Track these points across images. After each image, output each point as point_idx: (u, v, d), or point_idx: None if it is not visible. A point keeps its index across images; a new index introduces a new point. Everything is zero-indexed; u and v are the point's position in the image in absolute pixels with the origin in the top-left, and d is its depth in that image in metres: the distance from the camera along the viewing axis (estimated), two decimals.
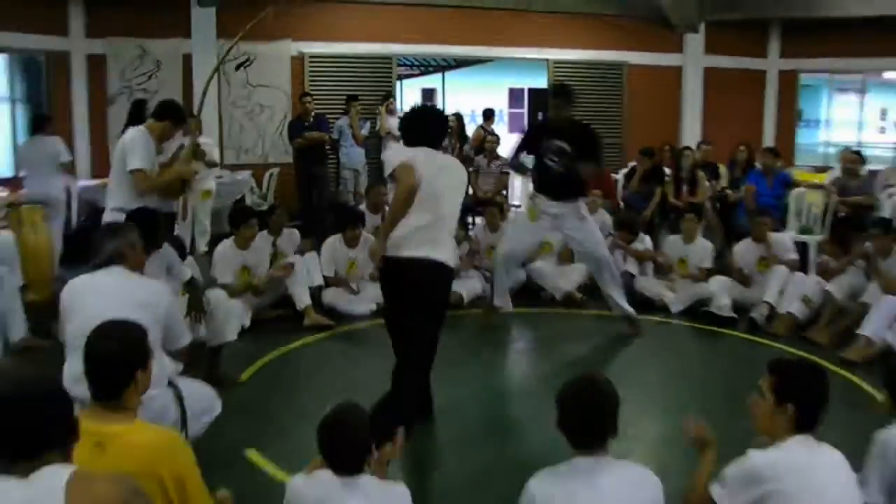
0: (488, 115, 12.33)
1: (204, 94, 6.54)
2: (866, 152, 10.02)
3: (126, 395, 2.63)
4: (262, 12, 6.38)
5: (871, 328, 6.05)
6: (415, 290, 4.25)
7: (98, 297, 3.50)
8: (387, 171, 4.39)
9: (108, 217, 5.43)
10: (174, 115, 5.58)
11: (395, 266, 4.24)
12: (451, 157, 4.58)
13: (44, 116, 9.12)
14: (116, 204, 5.39)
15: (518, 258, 6.95)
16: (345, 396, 3.02)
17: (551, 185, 6.33)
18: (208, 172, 9.60)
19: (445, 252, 4.28)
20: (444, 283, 4.39)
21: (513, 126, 22.96)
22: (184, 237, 7.53)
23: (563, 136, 6.23)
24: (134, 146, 5.32)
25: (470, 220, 10.36)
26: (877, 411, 3.50)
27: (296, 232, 7.77)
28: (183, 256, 6.43)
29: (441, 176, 4.27)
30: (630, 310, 6.60)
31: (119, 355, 2.64)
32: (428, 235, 4.20)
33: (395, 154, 4.38)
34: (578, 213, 6.37)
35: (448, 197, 4.32)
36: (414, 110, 4.69)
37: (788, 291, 6.85)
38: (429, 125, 4.46)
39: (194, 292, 5.18)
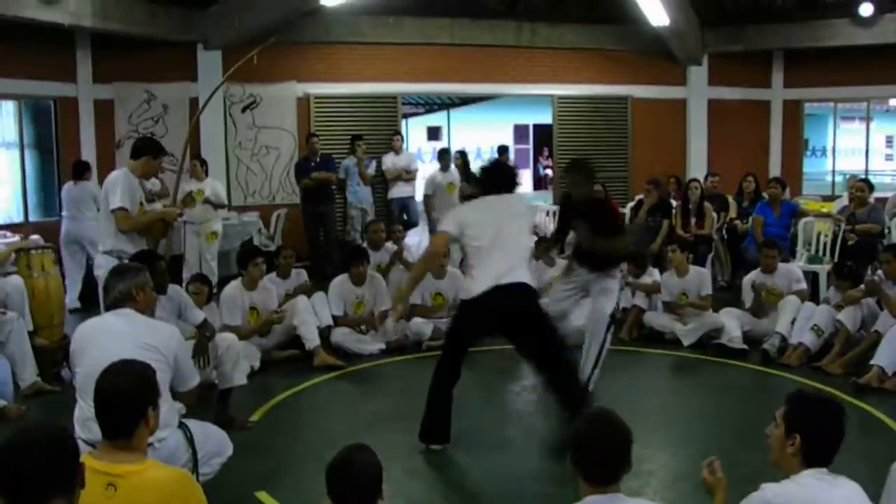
0: (502, 151, 12.40)
1: (191, 132, 6.51)
2: (873, 179, 10.01)
3: (136, 433, 2.64)
4: (249, 54, 6.42)
5: (884, 358, 5.97)
6: (530, 308, 4.82)
7: (108, 339, 3.51)
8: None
9: (98, 260, 5.44)
10: (150, 149, 5.57)
11: (495, 297, 4.66)
12: (511, 195, 5.18)
13: (84, 164, 9.42)
14: (105, 247, 5.40)
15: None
16: (354, 437, 3.00)
17: (585, 259, 5.97)
18: (215, 214, 9.66)
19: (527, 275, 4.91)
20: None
21: (519, 162, 23.06)
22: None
23: (585, 216, 5.86)
24: (115, 186, 5.33)
25: None
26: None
27: (303, 272, 7.78)
28: (210, 297, 6.44)
29: (501, 219, 4.91)
30: (580, 395, 5.15)
31: (129, 393, 2.64)
32: (509, 267, 4.75)
33: (450, 217, 5.15)
34: (606, 282, 5.90)
35: (512, 234, 4.92)
36: (490, 163, 5.51)
37: (799, 322, 6.80)
38: (501, 176, 5.21)
39: (204, 336, 5.16)
